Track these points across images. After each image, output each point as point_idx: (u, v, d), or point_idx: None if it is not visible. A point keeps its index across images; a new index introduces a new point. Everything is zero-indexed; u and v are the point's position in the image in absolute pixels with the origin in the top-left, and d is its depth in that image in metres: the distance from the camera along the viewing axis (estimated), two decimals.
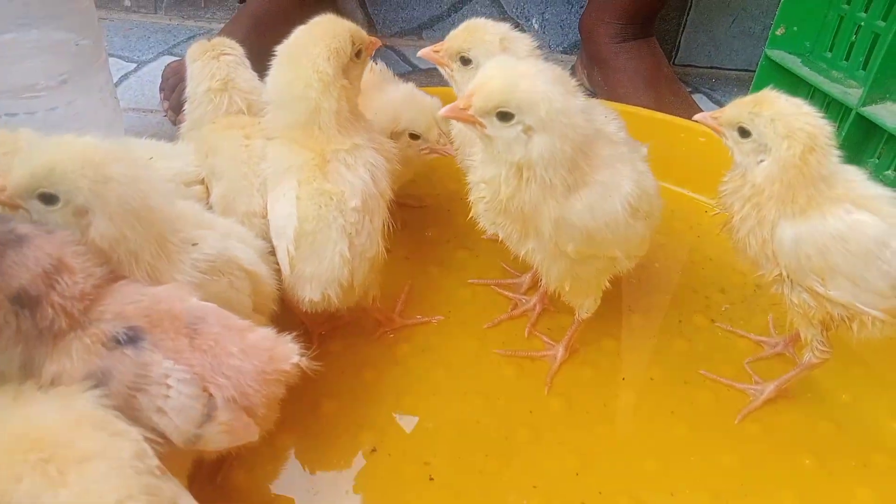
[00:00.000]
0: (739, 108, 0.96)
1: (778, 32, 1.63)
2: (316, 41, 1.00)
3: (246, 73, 1.14)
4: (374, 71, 1.30)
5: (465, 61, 1.06)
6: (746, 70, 2.20)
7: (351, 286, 1.01)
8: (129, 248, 0.79)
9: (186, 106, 1.14)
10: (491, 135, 0.88)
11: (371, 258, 1.02)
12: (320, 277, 0.97)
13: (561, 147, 0.87)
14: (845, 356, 1.13)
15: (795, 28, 1.62)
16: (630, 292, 1.31)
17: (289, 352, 0.80)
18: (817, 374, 1.12)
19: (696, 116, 1.03)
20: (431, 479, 0.99)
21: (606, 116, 1.10)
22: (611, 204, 0.94)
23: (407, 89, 1.27)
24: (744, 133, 0.95)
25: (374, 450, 1.02)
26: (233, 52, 1.14)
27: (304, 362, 0.80)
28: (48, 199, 0.77)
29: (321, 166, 1.00)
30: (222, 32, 1.73)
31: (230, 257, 0.88)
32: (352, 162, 1.02)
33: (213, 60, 1.11)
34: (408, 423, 1.05)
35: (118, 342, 0.72)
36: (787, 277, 0.96)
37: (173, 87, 1.62)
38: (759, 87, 1.67)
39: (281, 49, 1.03)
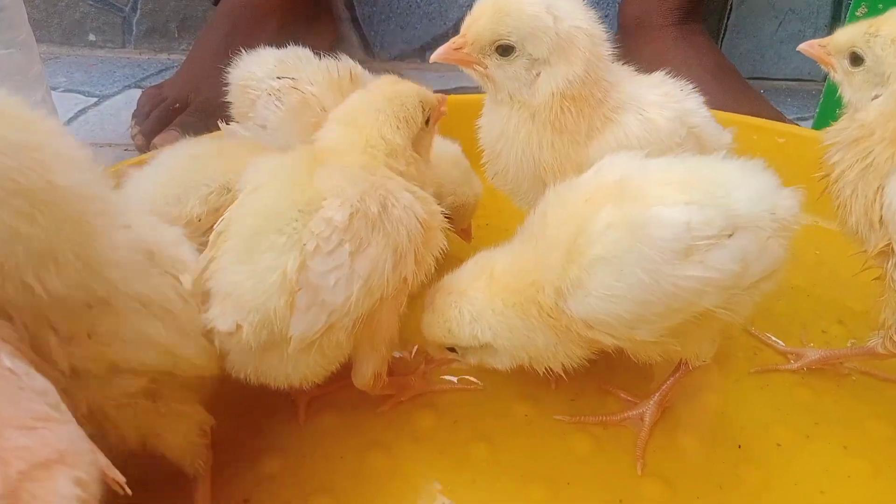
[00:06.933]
0: (854, 29, 0.81)
1: (858, 13, 1.40)
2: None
3: None
4: (355, 77, 1.04)
5: (506, 50, 0.82)
6: (798, 79, 2.02)
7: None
8: (33, 247, 0.52)
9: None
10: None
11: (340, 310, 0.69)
12: (239, 298, 0.68)
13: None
14: None
15: (881, 5, 1.37)
16: None
17: None
18: None
19: (801, 46, 0.88)
20: None
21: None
22: None
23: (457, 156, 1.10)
24: (856, 60, 0.81)
25: None
26: None
27: None
28: None
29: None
30: (198, 40, 1.68)
31: (175, 256, 0.69)
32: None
33: None
34: None
35: None
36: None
37: (147, 113, 1.53)
38: (833, 87, 1.44)
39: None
